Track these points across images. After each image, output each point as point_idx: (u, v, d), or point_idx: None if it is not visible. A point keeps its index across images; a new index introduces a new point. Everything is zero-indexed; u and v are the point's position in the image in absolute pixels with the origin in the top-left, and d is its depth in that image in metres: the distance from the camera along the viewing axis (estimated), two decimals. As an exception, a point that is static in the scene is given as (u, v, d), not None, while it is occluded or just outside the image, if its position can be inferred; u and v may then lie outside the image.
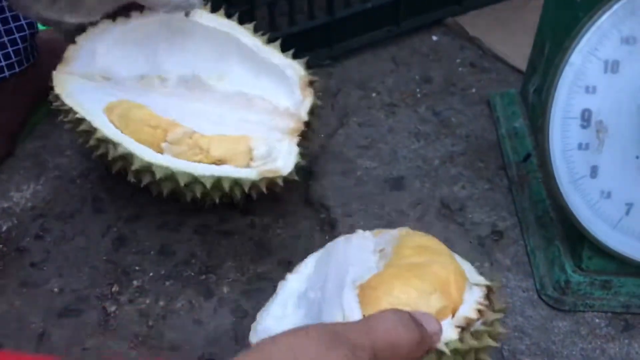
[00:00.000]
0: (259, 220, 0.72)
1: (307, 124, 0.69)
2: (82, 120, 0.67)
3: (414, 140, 0.82)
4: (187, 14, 0.71)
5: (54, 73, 0.70)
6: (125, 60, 0.73)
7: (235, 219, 0.72)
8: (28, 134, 0.81)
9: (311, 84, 0.70)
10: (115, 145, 0.65)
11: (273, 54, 0.71)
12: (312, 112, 0.70)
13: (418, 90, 0.90)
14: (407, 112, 0.86)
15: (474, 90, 0.90)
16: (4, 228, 0.71)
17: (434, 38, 0.99)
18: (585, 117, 0.59)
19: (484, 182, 0.76)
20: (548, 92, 0.59)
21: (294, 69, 0.71)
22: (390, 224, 0.71)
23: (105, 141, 0.65)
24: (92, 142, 0.66)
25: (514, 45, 0.95)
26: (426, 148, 0.80)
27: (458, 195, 0.75)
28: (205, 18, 0.72)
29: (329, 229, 0.71)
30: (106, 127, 0.66)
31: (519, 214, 0.73)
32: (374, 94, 0.89)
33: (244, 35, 0.72)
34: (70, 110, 0.69)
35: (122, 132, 0.66)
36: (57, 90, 0.69)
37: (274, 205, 0.73)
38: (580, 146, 0.59)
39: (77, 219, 0.72)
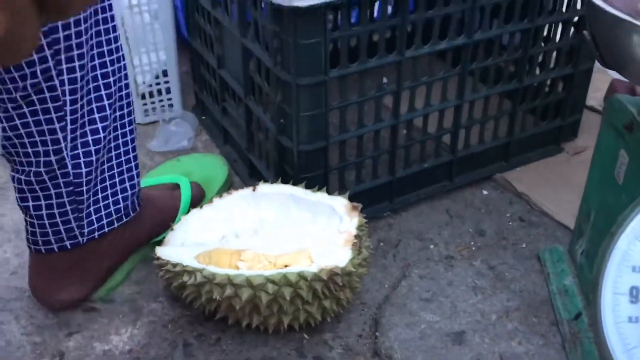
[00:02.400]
0: (332, 369, 0.79)
1: (357, 237, 0.80)
2: (176, 264, 0.79)
3: (472, 294, 0.89)
4: (254, 189, 0.89)
5: (157, 248, 0.82)
6: (211, 229, 0.88)
7: (310, 367, 0.79)
8: (125, 279, 0.91)
9: (355, 208, 0.84)
10: (201, 271, 0.77)
11: (321, 196, 0.87)
12: (360, 227, 0.82)
13: (472, 243, 0.98)
14: (464, 265, 0.94)
15: (524, 245, 0.98)
16: (105, 370, 0.79)
17: (485, 192, 1.08)
18: (634, 294, 0.66)
19: (538, 338, 0.83)
20: (598, 271, 0.66)
21: (339, 200, 0.85)
22: (454, 379, 0.77)
23: (192, 272, 0.77)
24: (184, 277, 0.78)
25: (559, 202, 1.04)
26: (484, 302, 0.88)
27: (515, 351, 0.81)
28: (268, 187, 0.89)
29: (397, 381, 0.77)
30: (194, 263, 0.79)
31: (574, 371, 0.78)
32: (431, 246, 0.98)
33: (297, 190, 0.88)
34: (167, 263, 0.81)
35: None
36: (158, 254, 0.81)
37: (344, 356, 0.81)
38: (630, 319, 0.66)
39: (169, 363, 0.80)
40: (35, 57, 0.65)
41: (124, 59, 0.76)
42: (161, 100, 1.23)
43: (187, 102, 1.30)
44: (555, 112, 1.14)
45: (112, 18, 0.72)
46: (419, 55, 0.92)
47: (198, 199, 0.97)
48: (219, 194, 1.03)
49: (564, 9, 1.02)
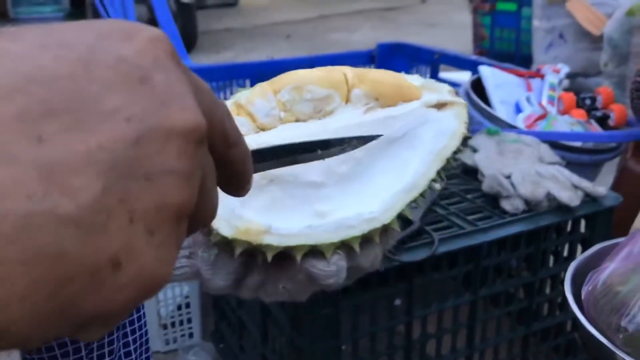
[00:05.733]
0: None
1: None
2: None
3: None
4: None
5: None
6: None
7: None
8: None
9: None
10: None
11: None
12: None
13: None
14: None
15: None
16: None
17: None
18: None
19: None
20: None
21: None
22: None
23: None
24: None
25: None
26: None
27: None
28: None
29: None
30: None
31: None
32: None
33: None
34: None
35: None
36: None
37: None
38: None
39: None
40: (70, 348, 0.71)
41: (146, 334, 0.81)
42: (182, 330, 1.28)
43: (206, 324, 1.34)
44: (566, 350, 1.15)
45: (139, 308, 0.78)
46: (428, 314, 0.96)
47: None
48: None
49: (566, 258, 1.07)
